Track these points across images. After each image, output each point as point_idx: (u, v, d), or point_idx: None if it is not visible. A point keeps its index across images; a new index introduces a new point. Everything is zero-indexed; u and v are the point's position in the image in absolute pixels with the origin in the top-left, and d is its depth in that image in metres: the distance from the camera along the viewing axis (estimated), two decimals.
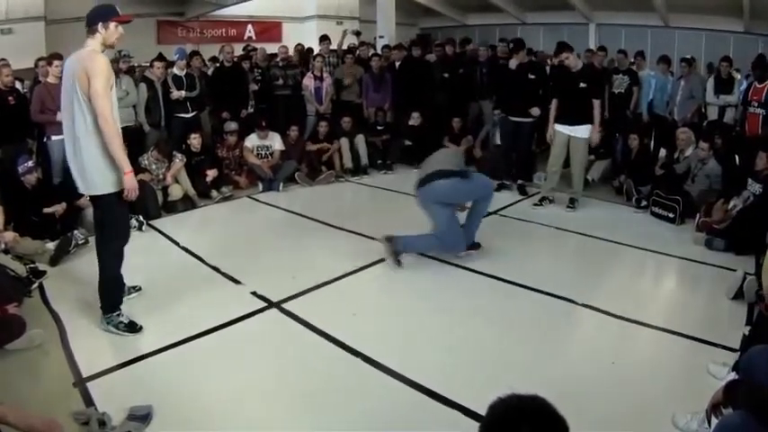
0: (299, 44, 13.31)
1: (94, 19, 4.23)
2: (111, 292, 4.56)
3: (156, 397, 3.54)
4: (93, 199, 4.45)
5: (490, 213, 7.37)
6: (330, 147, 9.70)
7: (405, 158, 10.15)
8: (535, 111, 8.40)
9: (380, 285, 5.56)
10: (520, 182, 8.62)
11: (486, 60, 10.40)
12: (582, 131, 7.55)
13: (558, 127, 7.69)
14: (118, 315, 4.50)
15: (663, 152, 8.69)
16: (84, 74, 4.10)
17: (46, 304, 4.96)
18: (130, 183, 4.26)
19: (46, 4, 13.83)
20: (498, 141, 9.45)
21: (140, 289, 5.12)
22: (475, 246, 6.06)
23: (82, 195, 6.85)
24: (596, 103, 7.45)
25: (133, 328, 4.48)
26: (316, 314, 4.70)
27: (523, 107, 8.30)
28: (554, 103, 7.76)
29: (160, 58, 9.27)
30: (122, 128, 4.49)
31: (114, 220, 4.51)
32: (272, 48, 12.26)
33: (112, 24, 4.25)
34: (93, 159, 4.21)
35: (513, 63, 8.70)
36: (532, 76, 8.34)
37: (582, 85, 7.44)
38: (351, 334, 4.37)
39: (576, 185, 7.83)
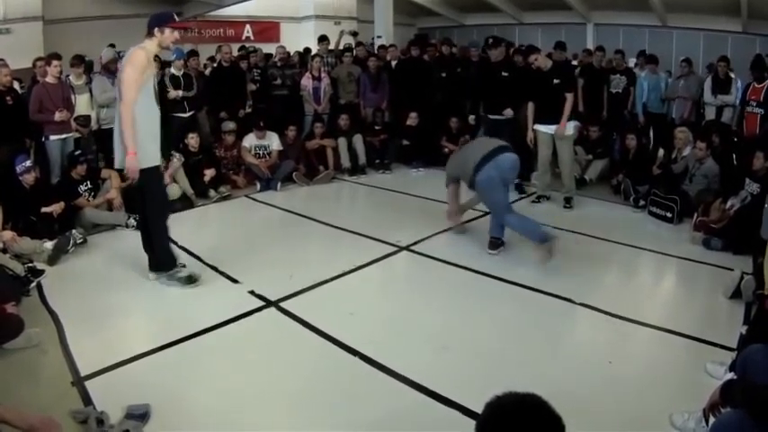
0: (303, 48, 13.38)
1: (152, 23, 4.90)
2: (162, 251, 5.25)
3: (154, 395, 3.53)
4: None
5: (487, 213, 7.39)
6: (327, 144, 9.70)
7: (402, 158, 10.16)
8: (508, 112, 8.56)
9: (378, 284, 5.57)
10: (517, 181, 8.60)
11: (479, 60, 10.45)
12: (559, 128, 7.57)
13: (540, 127, 7.74)
14: (177, 269, 5.27)
15: (661, 152, 8.69)
16: (125, 65, 4.85)
17: (44, 303, 4.94)
18: (129, 163, 4.80)
19: (44, 5, 13.78)
20: None
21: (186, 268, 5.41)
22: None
23: (80, 195, 6.93)
24: (569, 96, 7.48)
25: (191, 279, 5.25)
26: (313, 313, 4.70)
27: (498, 105, 8.37)
28: (530, 106, 7.81)
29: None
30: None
31: (149, 191, 5.14)
32: (269, 48, 12.27)
33: (168, 29, 4.90)
34: (119, 138, 4.88)
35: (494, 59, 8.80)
36: (505, 74, 8.44)
37: (555, 81, 7.49)
38: (348, 333, 4.37)
39: (567, 184, 7.84)
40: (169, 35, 4.92)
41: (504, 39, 9.95)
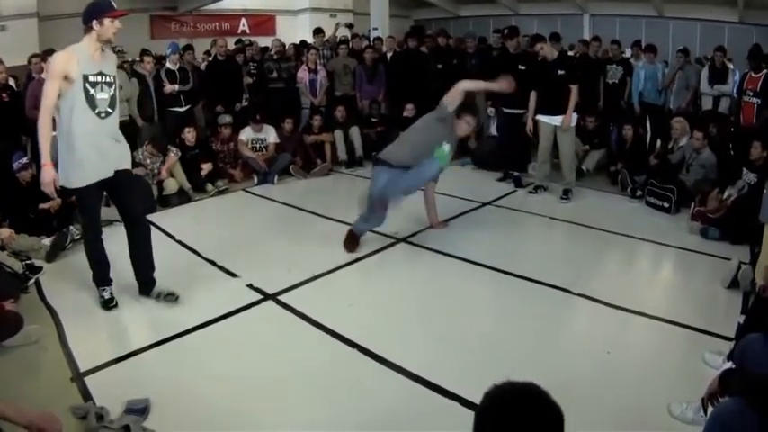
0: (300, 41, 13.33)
1: (89, 16, 4.24)
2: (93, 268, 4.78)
3: (154, 390, 3.54)
4: None
5: (484, 204, 7.41)
6: (325, 139, 9.69)
7: None
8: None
9: (375, 276, 5.57)
10: (516, 174, 8.61)
11: (476, 51, 10.42)
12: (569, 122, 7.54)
13: (542, 118, 7.71)
14: (103, 289, 4.78)
15: (659, 142, 8.69)
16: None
17: (42, 300, 4.94)
18: (43, 175, 4.29)
19: (38, 1, 13.75)
20: (494, 132, 9.49)
21: (176, 297, 4.85)
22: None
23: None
24: (573, 88, 7.42)
25: (108, 304, 4.73)
26: (312, 306, 4.71)
27: (515, 99, 8.29)
28: (532, 96, 7.79)
29: (147, 52, 9.28)
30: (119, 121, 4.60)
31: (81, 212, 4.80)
32: (265, 41, 12.25)
33: (107, 20, 4.24)
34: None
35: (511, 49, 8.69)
36: (522, 68, 8.24)
37: (560, 72, 7.44)
38: (347, 325, 4.38)
39: (567, 176, 7.82)
40: (109, 26, 4.27)
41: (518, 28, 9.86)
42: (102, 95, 4.37)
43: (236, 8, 19.58)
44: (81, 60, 4.23)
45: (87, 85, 4.28)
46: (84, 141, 4.33)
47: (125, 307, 4.73)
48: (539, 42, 7.63)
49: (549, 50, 7.60)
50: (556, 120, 7.56)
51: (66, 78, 4.19)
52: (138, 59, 9.82)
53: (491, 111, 9.45)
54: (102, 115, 4.39)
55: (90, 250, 4.73)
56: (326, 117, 10.07)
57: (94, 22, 4.22)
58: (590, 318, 4.71)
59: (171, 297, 4.81)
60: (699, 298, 4.99)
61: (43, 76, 7.57)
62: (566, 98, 7.41)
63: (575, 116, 7.58)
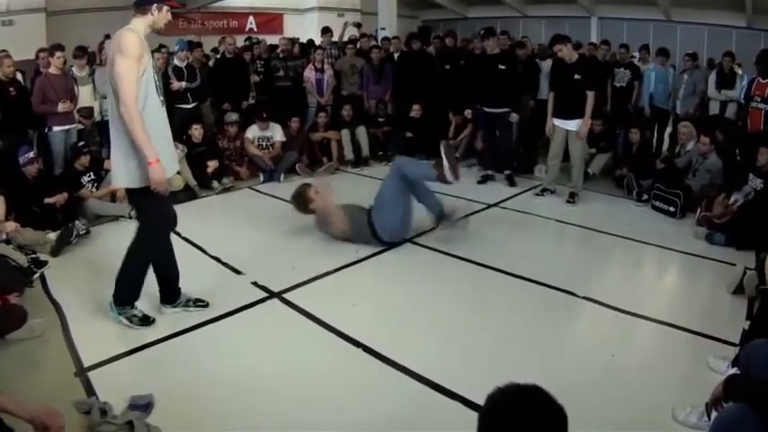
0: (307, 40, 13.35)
1: None
2: (130, 287, 4.36)
3: (158, 386, 3.55)
4: (127, 192, 4.30)
5: (490, 205, 7.39)
6: (331, 137, 9.72)
7: (405, 150, 10.14)
8: (513, 117, 8.50)
9: (380, 276, 5.57)
10: (507, 172, 8.60)
11: (482, 52, 10.43)
12: (579, 125, 7.49)
13: (556, 121, 7.67)
14: (132, 308, 4.38)
15: (665, 146, 8.68)
16: (112, 55, 3.85)
17: (47, 294, 4.96)
18: (155, 174, 3.89)
19: None
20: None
21: (207, 305, 4.71)
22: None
23: (83, 186, 6.92)
24: (590, 94, 7.34)
25: (147, 321, 4.39)
26: (316, 304, 4.71)
27: (495, 98, 8.30)
28: (551, 97, 7.75)
29: (159, 48, 9.28)
30: None
31: (146, 218, 4.32)
32: (272, 39, 12.26)
33: (166, 8, 4.05)
34: (118, 149, 3.98)
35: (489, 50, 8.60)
36: (502, 67, 8.25)
37: (576, 76, 7.35)
38: (351, 324, 4.38)
39: (575, 180, 7.79)
40: (165, 15, 4.06)
41: (506, 31, 9.87)
42: (158, 82, 4.14)
43: (243, 6, 19.63)
44: (145, 44, 3.95)
45: (153, 70, 4.05)
46: (157, 133, 4.02)
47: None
48: (558, 43, 7.47)
49: (568, 52, 7.47)
50: (569, 124, 7.53)
51: (139, 62, 3.85)
52: None
53: (468, 112, 9.51)
54: (163, 103, 4.19)
55: (147, 263, 4.39)
56: (333, 116, 10.08)
57: (155, 6, 3.98)
58: (594, 321, 4.70)
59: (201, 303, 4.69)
60: (703, 303, 4.97)
61: (51, 70, 7.59)
62: (582, 103, 7.34)
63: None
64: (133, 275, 4.34)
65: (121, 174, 4.03)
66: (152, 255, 4.39)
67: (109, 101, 4.04)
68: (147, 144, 3.83)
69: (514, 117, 8.43)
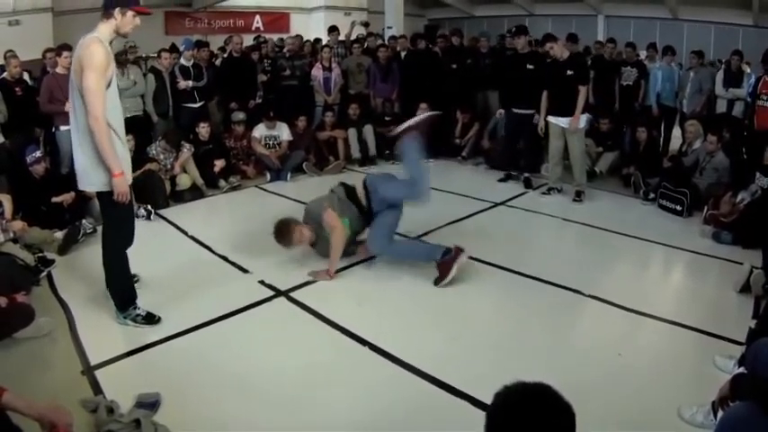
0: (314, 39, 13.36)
1: (114, 3, 3.93)
2: (120, 290, 4.43)
3: (164, 385, 3.56)
4: (98, 194, 4.32)
5: (497, 204, 7.39)
6: (338, 135, 9.73)
7: None
8: (536, 119, 8.18)
9: (386, 275, 5.54)
10: (526, 175, 8.57)
11: (489, 51, 10.39)
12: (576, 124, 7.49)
13: (551, 119, 7.68)
14: (134, 308, 4.43)
15: (672, 145, 8.66)
16: (79, 64, 3.88)
17: (54, 293, 4.98)
18: (120, 186, 4.00)
19: None
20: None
21: (137, 279, 4.89)
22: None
23: None
24: (582, 89, 7.37)
25: (151, 319, 4.41)
26: (323, 303, 4.72)
27: (523, 99, 8.25)
28: (544, 95, 7.75)
29: (171, 49, 9.31)
30: (131, 117, 4.40)
31: (112, 220, 4.34)
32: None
33: (130, 13, 3.98)
34: (86, 156, 4.03)
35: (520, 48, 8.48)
36: (531, 67, 8.18)
37: (569, 72, 7.38)
38: (358, 323, 4.39)
39: (578, 178, 7.78)
40: (131, 20, 3.99)
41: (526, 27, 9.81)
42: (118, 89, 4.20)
43: (250, 5, 19.62)
44: (109, 53, 3.96)
45: (115, 77, 4.08)
46: (119, 139, 4.08)
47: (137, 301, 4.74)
48: (549, 42, 7.55)
49: (559, 50, 7.52)
50: (563, 121, 7.53)
51: (105, 74, 3.91)
52: (153, 55, 9.87)
53: (500, 112, 9.36)
54: (122, 110, 4.24)
55: (119, 265, 4.40)
56: (340, 115, 10.09)
57: (118, 10, 3.93)
58: (601, 319, 4.70)
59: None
60: (710, 302, 4.96)
61: (58, 70, 7.61)
62: (575, 99, 7.37)
63: (584, 118, 7.51)
64: (118, 277, 4.41)
65: (93, 178, 4.08)
66: (122, 248, 4.38)
67: (73, 107, 4.07)
68: (114, 158, 3.96)
69: (537, 118, 8.24)
